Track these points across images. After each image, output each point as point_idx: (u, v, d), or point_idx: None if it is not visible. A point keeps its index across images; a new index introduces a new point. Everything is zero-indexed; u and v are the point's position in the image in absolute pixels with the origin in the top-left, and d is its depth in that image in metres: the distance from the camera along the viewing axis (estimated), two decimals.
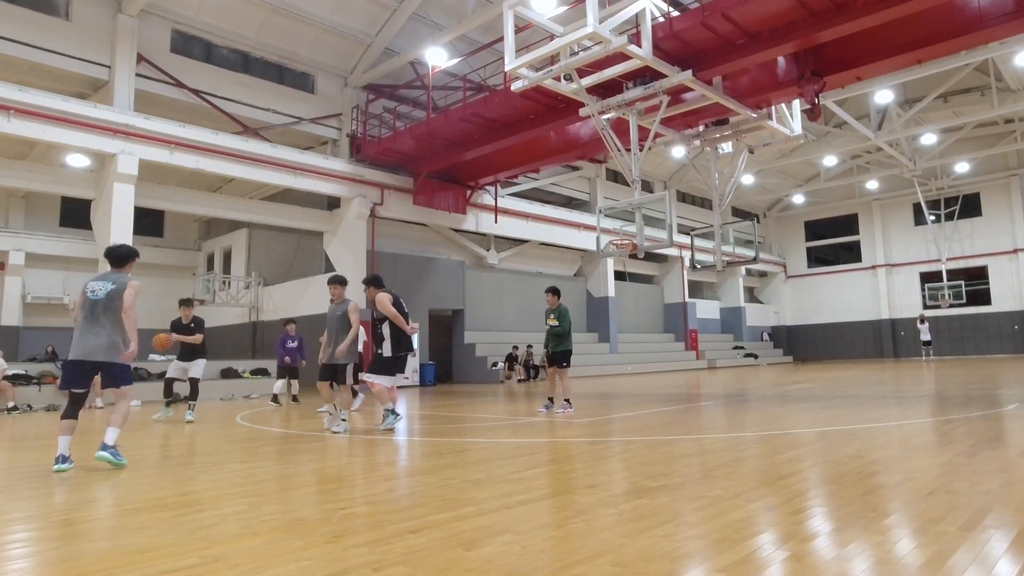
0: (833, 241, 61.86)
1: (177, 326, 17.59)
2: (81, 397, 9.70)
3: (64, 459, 9.30)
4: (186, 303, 18.01)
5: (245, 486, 7.94)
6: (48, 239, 36.08)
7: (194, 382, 17.55)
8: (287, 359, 22.37)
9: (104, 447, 9.53)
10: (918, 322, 51.12)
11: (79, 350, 9.50)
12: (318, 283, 32.71)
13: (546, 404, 17.21)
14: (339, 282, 14.04)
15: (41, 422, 17.55)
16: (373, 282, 13.93)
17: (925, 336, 49.44)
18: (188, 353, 17.68)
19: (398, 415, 13.62)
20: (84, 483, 8.47)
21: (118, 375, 9.74)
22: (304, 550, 5.19)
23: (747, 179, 49.69)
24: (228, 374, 26.45)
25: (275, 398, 22.18)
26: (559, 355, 17.02)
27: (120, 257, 10.29)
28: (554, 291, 17.14)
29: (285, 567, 4.81)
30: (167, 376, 17.97)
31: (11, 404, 21.07)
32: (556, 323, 16.91)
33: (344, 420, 13.42)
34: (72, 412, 9.54)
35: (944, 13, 20.01)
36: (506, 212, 38.21)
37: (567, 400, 17.08)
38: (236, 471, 9.12)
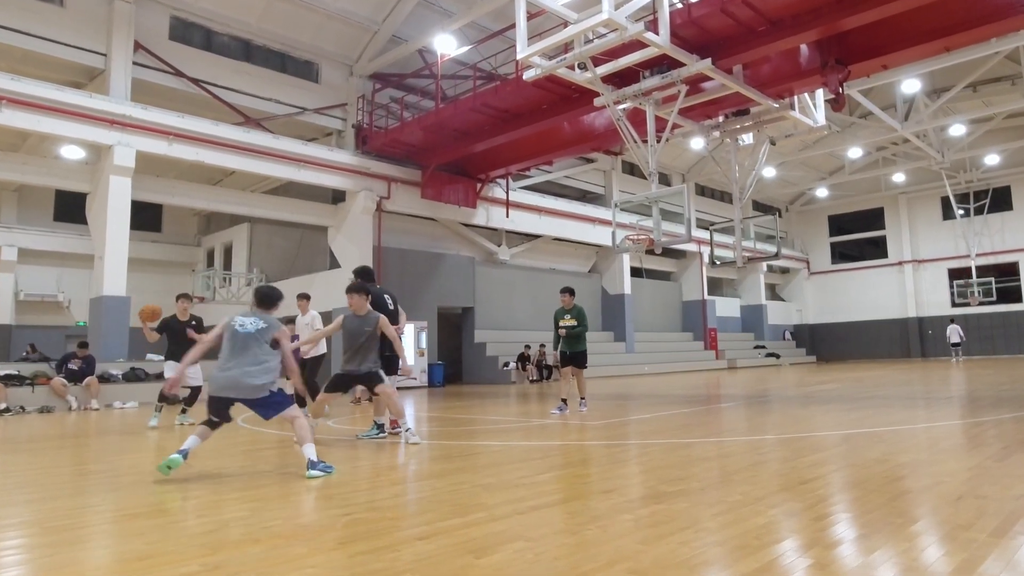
0: (858, 236, 61.74)
1: (173, 323, 16.45)
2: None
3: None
4: (184, 297, 17.01)
5: (247, 491, 7.93)
6: (42, 234, 36.23)
7: (196, 389, 16.61)
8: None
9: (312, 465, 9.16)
10: (949, 322, 51.11)
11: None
12: (322, 280, 32.73)
13: (559, 406, 17.23)
14: (363, 291, 13.05)
15: (34, 424, 17.51)
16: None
17: (955, 338, 49.38)
18: (185, 351, 16.45)
19: (383, 432, 13.20)
20: (80, 488, 8.49)
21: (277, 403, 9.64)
22: (308, 557, 5.20)
23: (768, 172, 49.52)
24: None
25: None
26: (579, 356, 17.09)
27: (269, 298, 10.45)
28: (570, 291, 17.15)
29: (289, 575, 4.82)
30: (165, 376, 16.69)
31: (3, 406, 21.10)
32: (575, 323, 16.94)
33: (409, 430, 12.76)
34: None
35: None
36: (518, 206, 38.22)
37: (583, 399, 17.22)
38: (237, 475, 9.13)
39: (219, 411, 9.38)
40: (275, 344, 9.64)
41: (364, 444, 11.97)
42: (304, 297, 17.87)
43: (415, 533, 5.85)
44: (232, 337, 9.61)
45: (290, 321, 22.53)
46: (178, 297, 16.96)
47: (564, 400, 17.38)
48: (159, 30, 28.25)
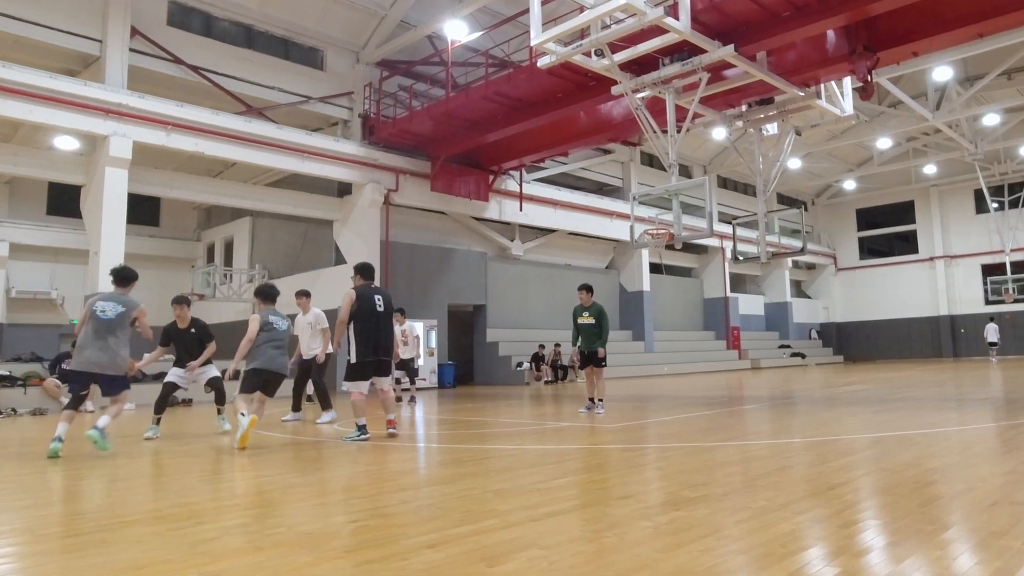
0: (887, 231, 61.73)
1: (172, 332, 15.72)
2: (82, 398, 12.20)
3: (59, 439, 11.42)
4: (180, 301, 15.96)
5: (248, 497, 7.96)
6: (34, 228, 36.23)
7: (216, 381, 16.19)
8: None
9: (95, 428, 11.58)
10: (989, 320, 51.00)
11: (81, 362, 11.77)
12: (327, 276, 32.75)
13: (587, 405, 17.33)
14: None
15: (27, 427, 17.56)
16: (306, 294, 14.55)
17: (992, 337, 49.24)
18: (191, 358, 15.69)
19: (367, 435, 13.23)
20: (74, 494, 8.51)
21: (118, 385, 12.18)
22: (313, 566, 5.19)
23: (794, 163, 49.43)
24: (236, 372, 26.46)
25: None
26: (596, 355, 17.13)
27: (125, 278, 12.25)
28: (587, 288, 17.20)
29: None
30: (166, 380, 15.63)
31: None
32: (592, 322, 16.99)
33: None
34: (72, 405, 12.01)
35: None
36: (532, 199, 38.24)
37: (601, 400, 17.27)
38: (238, 480, 9.14)
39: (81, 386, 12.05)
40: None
41: (373, 448, 11.97)
42: (304, 295, 17.90)
43: (424, 541, 5.85)
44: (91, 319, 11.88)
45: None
46: (173, 302, 16.00)
47: (592, 400, 17.44)
48: (157, 15, 28.26)
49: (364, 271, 13.53)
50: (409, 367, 23.23)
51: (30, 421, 19.38)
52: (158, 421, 14.88)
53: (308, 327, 17.49)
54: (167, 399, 15.41)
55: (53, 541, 6.17)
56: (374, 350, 12.97)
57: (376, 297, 13.20)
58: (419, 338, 24.04)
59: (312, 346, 17.48)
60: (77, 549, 5.92)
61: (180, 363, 15.70)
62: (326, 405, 17.12)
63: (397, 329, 20.99)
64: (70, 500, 8.08)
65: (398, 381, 22.79)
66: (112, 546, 5.98)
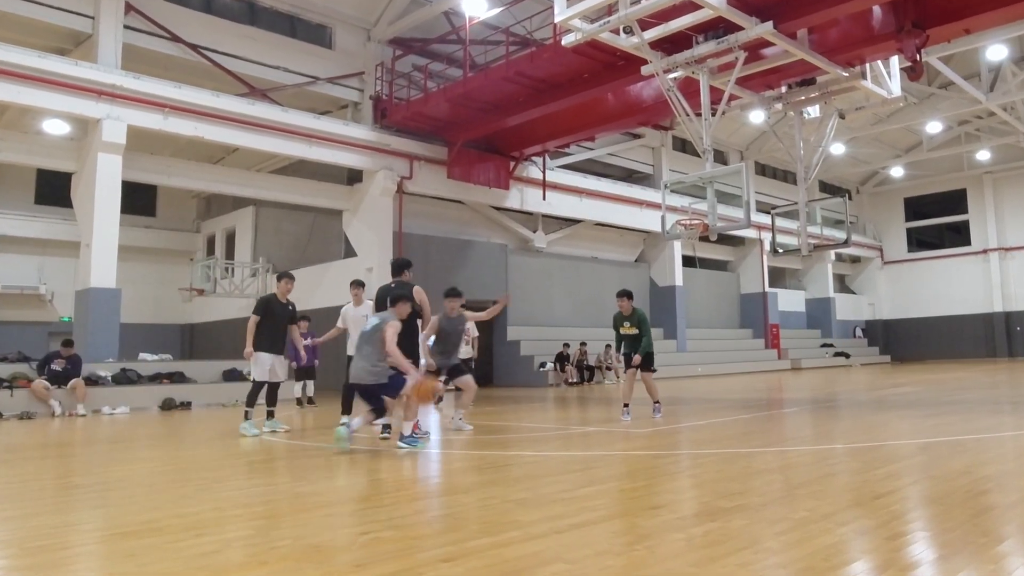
0: (938, 221, 61.54)
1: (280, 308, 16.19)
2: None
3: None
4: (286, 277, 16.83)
5: (252, 507, 7.95)
6: (21, 219, 36.32)
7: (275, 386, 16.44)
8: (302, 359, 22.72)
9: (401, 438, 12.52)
10: None
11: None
12: (336, 270, 32.79)
13: (627, 412, 17.30)
14: (457, 295, 15.74)
15: (13, 432, 17.50)
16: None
17: None
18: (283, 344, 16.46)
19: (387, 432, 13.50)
20: (64, 504, 8.51)
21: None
22: None
23: (837, 149, 49.27)
24: (231, 376, 26.41)
25: (298, 401, 23.00)
26: (646, 358, 17.12)
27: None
28: (627, 295, 17.19)
29: None
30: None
31: None
32: (636, 332, 17.00)
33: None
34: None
35: None
36: (556, 187, 38.17)
37: (658, 403, 17.41)
38: (241, 489, 9.14)
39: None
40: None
41: (385, 455, 11.95)
42: (359, 284, 18.37)
43: (440, 554, 5.83)
44: None
45: (304, 318, 22.64)
46: (281, 277, 16.79)
47: (626, 405, 17.39)
48: None
49: (393, 266, 14.34)
50: (468, 367, 22.77)
51: (17, 425, 19.30)
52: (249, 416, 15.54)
53: (362, 320, 16.96)
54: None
55: (41, 554, 6.15)
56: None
57: (390, 298, 13.25)
58: (477, 338, 24.00)
59: None
60: (67, 563, 5.92)
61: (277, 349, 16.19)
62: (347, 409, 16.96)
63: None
64: (60, 510, 8.06)
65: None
66: (105, 560, 5.99)
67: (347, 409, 15.92)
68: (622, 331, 17.20)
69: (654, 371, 17.38)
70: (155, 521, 7.28)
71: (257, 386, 15.75)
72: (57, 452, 12.46)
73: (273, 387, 16.17)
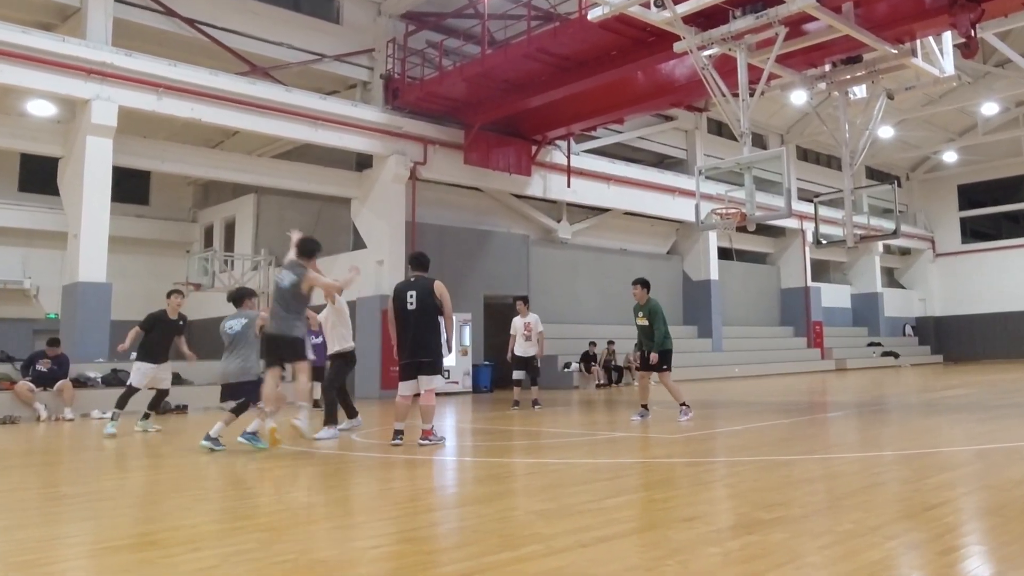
0: (994, 210, 61.57)
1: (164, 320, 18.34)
2: None
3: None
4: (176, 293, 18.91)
5: (253, 518, 8.03)
6: (4, 207, 36.25)
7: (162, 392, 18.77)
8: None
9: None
10: None
11: None
12: (344, 262, 32.81)
13: (640, 412, 17.28)
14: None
15: None
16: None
17: None
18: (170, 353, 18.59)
19: (398, 441, 13.74)
20: (51, 515, 8.50)
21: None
22: None
23: (885, 132, 48.96)
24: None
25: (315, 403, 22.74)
26: (660, 356, 17.07)
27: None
28: (642, 283, 17.28)
29: None
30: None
31: None
32: (646, 323, 16.99)
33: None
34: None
35: None
36: (581, 173, 38.15)
37: (685, 405, 17.20)
38: (242, 500, 9.19)
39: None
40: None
41: (397, 462, 11.88)
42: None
43: (457, 570, 5.95)
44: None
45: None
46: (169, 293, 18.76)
47: (645, 407, 17.37)
48: None
49: (410, 261, 14.97)
50: (531, 365, 23.12)
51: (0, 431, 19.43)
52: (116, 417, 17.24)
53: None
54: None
55: (27, 570, 6.21)
56: (408, 351, 13.83)
57: (409, 293, 14.01)
58: (543, 332, 23.83)
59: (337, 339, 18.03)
60: None
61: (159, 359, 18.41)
62: (331, 419, 17.07)
63: (519, 321, 23.22)
64: (47, 522, 8.15)
65: (518, 383, 22.81)
66: None
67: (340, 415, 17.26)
68: (637, 322, 17.31)
69: (667, 370, 17.29)
70: (149, 534, 7.38)
71: (129, 391, 17.88)
72: (43, 459, 12.48)
73: (161, 393, 18.63)
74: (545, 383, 35.39)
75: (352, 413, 17.75)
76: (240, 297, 15.21)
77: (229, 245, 39.34)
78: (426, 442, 13.47)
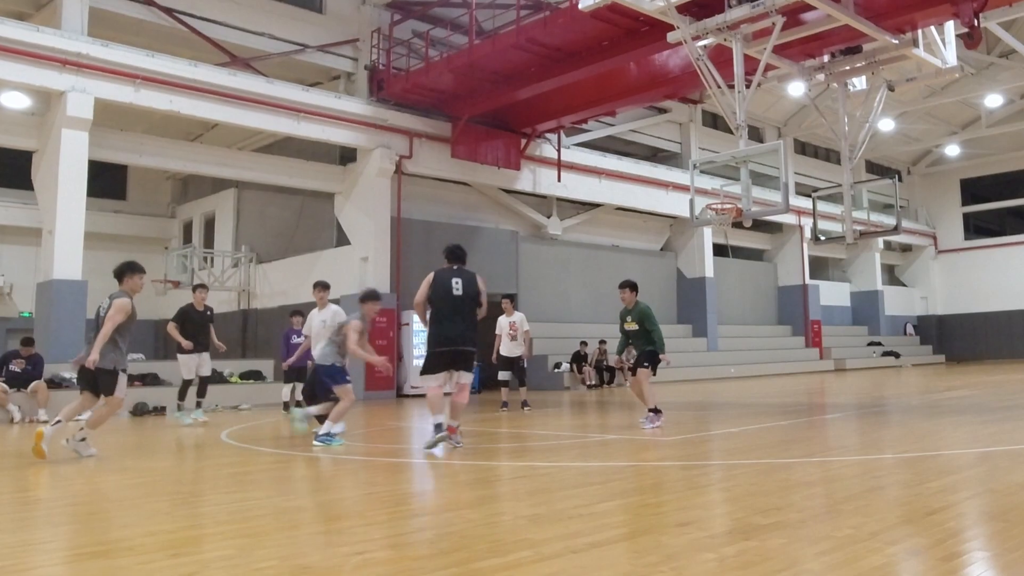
0: (998, 205, 61.54)
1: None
2: None
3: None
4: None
5: (233, 523, 7.99)
6: None
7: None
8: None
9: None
10: None
11: None
12: (327, 259, 32.79)
13: (648, 416, 17.24)
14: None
15: None
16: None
17: None
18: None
19: (443, 433, 13.33)
20: (24, 521, 8.48)
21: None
22: None
23: (886, 125, 49.11)
24: (211, 378, 26.40)
25: (285, 406, 22.74)
26: (646, 355, 17.09)
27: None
28: (630, 286, 17.25)
29: None
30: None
31: None
32: (638, 327, 16.98)
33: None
34: None
35: None
36: (572, 167, 38.14)
37: (654, 411, 17.00)
38: (221, 504, 9.15)
39: None
40: None
41: (381, 466, 11.91)
42: (322, 287, 18.70)
43: None
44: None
45: (297, 313, 22.90)
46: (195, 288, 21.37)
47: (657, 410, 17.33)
48: None
49: (449, 253, 14.67)
50: (517, 366, 23.11)
51: None
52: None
53: (323, 326, 17.42)
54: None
55: None
56: (452, 338, 13.58)
57: (454, 280, 13.92)
58: (529, 331, 23.77)
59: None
60: None
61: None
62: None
63: (504, 320, 23.08)
64: (20, 528, 8.10)
65: (505, 384, 22.88)
66: None
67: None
68: (626, 327, 17.22)
69: (648, 368, 17.21)
70: (126, 540, 7.33)
71: (186, 384, 20.77)
72: (16, 463, 12.47)
73: (204, 380, 21.02)
74: (535, 384, 35.33)
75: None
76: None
77: (209, 241, 39.36)
78: (453, 441, 13.23)
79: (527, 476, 10.71)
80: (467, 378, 13.67)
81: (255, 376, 27.98)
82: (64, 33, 25.54)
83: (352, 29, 33.16)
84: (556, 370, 35.59)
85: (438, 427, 13.16)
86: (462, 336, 13.57)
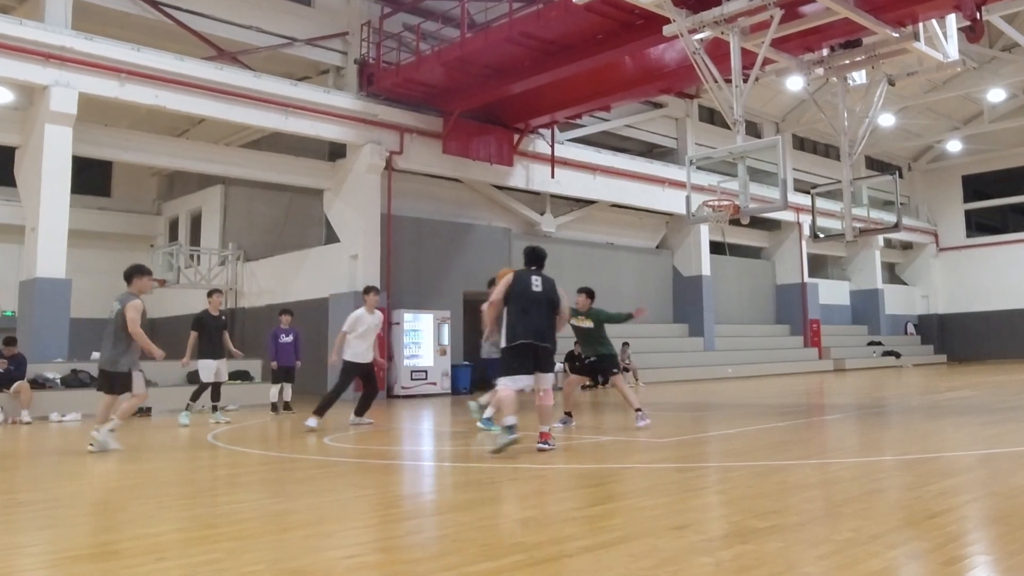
0: (1001, 202, 61.56)
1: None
2: None
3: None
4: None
5: (221, 527, 7.98)
6: None
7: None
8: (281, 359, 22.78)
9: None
10: None
11: None
12: (316, 257, 32.77)
13: (563, 419, 17.49)
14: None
15: None
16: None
17: None
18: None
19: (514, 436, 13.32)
20: (8, 524, 8.48)
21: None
22: None
23: (886, 120, 48.83)
24: (196, 378, 26.32)
25: (273, 407, 22.98)
26: (608, 360, 17.36)
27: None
28: (588, 293, 17.54)
29: None
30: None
31: None
32: (591, 324, 17.30)
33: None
34: None
35: None
36: (566, 163, 38.08)
37: (640, 410, 17.23)
38: (208, 507, 9.15)
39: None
40: None
41: (371, 468, 11.93)
42: (376, 291, 19.58)
43: None
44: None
45: (286, 311, 23.06)
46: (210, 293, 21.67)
47: (568, 413, 17.72)
48: None
49: (528, 254, 14.39)
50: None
51: None
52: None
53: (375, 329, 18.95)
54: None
55: None
56: (530, 332, 13.33)
57: (534, 279, 13.77)
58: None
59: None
60: None
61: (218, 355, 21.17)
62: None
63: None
64: (4, 531, 8.10)
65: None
66: None
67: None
68: (575, 322, 17.44)
69: (617, 372, 17.57)
70: (111, 543, 7.33)
71: (203, 386, 21.38)
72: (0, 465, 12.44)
73: (217, 385, 21.36)
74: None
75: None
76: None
77: (195, 239, 39.25)
78: (546, 446, 13.05)
79: (520, 479, 10.68)
80: (548, 381, 13.60)
81: (242, 376, 27.83)
82: (47, 26, 25.49)
83: (341, 22, 33.11)
84: None
85: (510, 428, 12.88)
86: (541, 331, 13.40)
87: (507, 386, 13.18)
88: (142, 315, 14.20)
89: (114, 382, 14.10)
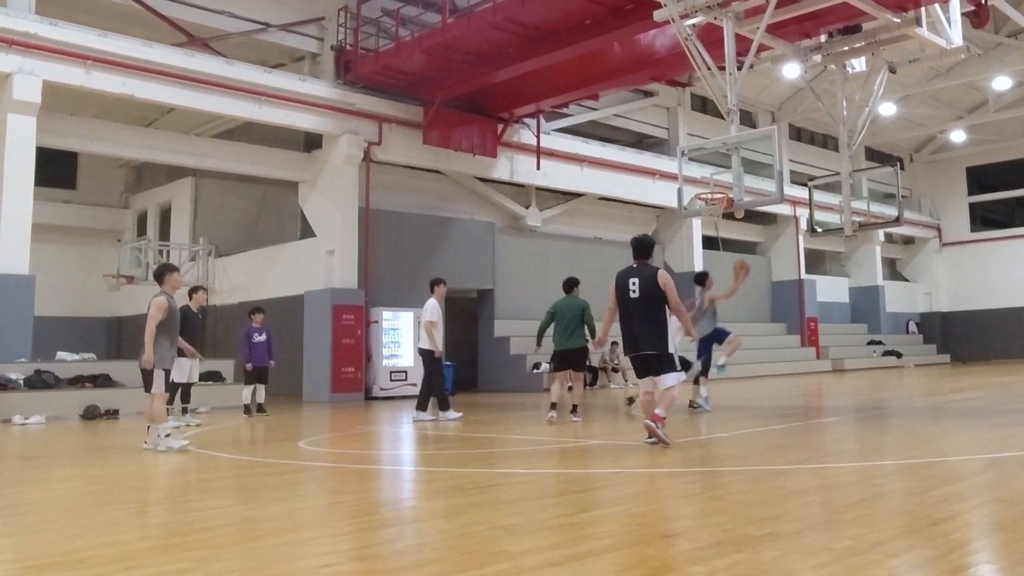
0: (1007, 195, 61.49)
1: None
2: None
3: None
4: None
5: (191, 534, 7.97)
6: None
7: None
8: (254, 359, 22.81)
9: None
10: None
11: None
12: (291, 252, 32.74)
13: (551, 416, 17.78)
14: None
15: None
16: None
17: None
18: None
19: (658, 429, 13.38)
20: None
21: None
22: None
23: (886, 109, 48.71)
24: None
25: (246, 409, 22.85)
26: (578, 353, 17.82)
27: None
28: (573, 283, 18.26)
29: None
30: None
31: None
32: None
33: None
34: None
35: None
36: (552, 154, 38.06)
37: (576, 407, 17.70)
38: (178, 514, 9.15)
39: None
40: None
41: (349, 473, 11.95)
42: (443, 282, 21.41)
43: None
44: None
45: (258, 310, 23.30)
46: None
47: (555, 405, 18.38)
48: None
49: (634, 245, 14.40)
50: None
51: None
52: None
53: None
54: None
55: None
56: (631, 343, 13.86)
57: (631, 280, 13.87)
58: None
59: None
60: None
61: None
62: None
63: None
64: None
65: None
66: None
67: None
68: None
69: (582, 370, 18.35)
70: (77, 551, 7.32)
71: (175, 387, 19.67)
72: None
73: (188, 386, 21.16)
74: (511, 385, 35.49)
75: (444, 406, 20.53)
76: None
77: (164, 233, 39.19)
78: (654, 425, 13.16)
79: (504, 484, 10.68)
80: (663, 382, 13.54)
81: (214, 377, 27.83)
82: (10, 11, 25.42)
83: (317, 7, 32.99)
84: (535, 371, 35.37)
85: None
86: (638, 341, 13.68)
87: (644, 390, 13.98)
88: (170, 314, 14.76)
89: (143, 378, 14.74)
